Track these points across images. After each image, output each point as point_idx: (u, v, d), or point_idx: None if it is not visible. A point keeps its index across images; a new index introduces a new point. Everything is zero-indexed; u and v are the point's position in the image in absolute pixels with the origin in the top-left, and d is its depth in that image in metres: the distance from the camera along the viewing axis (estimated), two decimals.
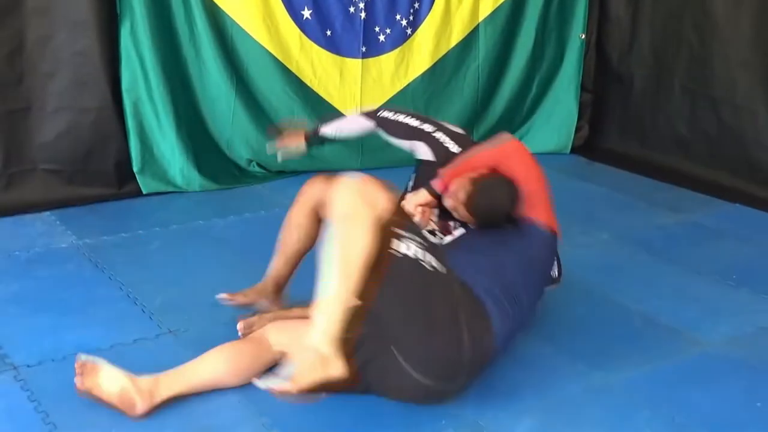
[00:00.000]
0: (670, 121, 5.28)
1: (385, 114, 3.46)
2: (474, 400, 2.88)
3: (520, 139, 5.67)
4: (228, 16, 4.75)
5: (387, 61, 5.15)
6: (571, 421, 2.81)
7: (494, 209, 3.00)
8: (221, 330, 3.13)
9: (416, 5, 5.13)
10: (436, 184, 3.11)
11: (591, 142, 5.78)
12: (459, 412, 2.81)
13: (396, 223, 2.57)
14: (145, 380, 2.68)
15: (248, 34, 4.80)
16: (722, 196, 4.92)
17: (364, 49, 5.06)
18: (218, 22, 4.73)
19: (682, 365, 3.17)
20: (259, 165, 4.94)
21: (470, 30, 5.30)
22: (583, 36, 5.58)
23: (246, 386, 2.78)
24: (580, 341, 3.30)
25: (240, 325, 3.07)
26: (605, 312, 3.54)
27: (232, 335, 3.03)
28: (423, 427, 2.74)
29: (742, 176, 4.93)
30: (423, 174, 3.29)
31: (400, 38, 5.14)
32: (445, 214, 3.22)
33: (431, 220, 3.22)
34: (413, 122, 3.39)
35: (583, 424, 2.80)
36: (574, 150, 5.73)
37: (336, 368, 2.44)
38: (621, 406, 2.90)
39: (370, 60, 5.11)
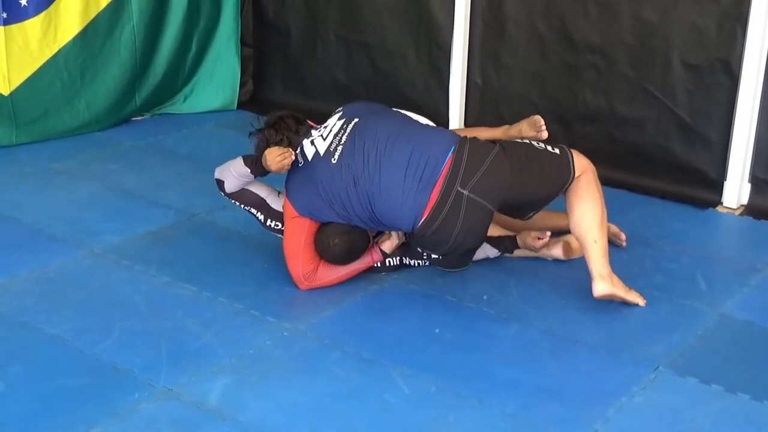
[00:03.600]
0: (328, 70, 5.42)
1: None
2: (166, 368, 2.84)
3: (185, 99, 5.61)
4: None
5: (32, 26, 4.81)
6: (265, 372, 2.85)
7: None
8: None
9: None
10: None
11: (256, 97, 5.79)
12: (151, 383, 2.76)
13: None
14: None
15: None
16: None
17: (5, 15, 4.69)
18: None
19: (363, 302, 3.31)
20: None
21: None
22: None
23: None
24: (264, 296, 3.33)
25: None
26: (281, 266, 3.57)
27: None
28: (118, 403, 2.66)
29: None
30: None
31: (45, 1, 4.83)
32: None
33: None
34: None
35: (276, 372, 2.85)
36: (241, 105, 5.72)
37: None
38: (312, 351, 2.98)
39: (14, 26, 4.75)
